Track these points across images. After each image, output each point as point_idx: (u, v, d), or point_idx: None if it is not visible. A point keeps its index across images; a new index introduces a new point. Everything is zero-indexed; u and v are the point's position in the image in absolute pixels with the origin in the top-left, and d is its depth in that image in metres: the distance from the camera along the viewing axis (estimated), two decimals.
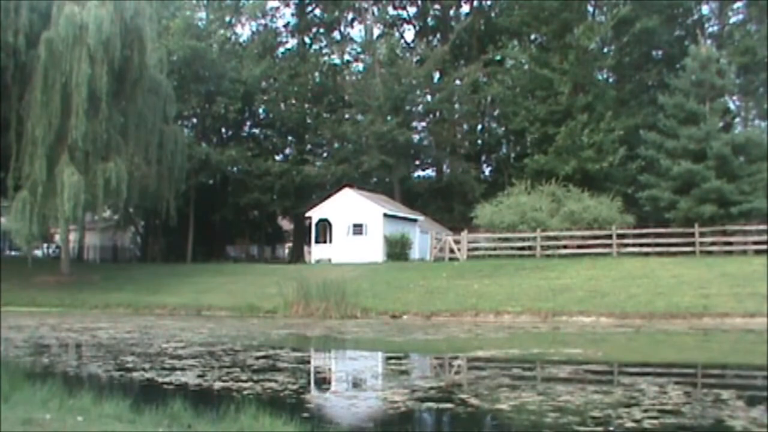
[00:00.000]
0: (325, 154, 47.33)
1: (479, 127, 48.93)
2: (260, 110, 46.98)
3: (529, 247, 29.67)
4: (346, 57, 48.41)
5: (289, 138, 47.86)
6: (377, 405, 8.33)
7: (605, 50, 41.65)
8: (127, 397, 7.25)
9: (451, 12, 48.20)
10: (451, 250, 31.44)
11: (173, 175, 34.73)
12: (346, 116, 44.26)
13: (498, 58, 43.86)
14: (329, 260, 33.57)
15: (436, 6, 48.48)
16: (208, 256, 42.10)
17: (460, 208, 41.62)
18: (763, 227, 27.09)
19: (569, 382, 9.67)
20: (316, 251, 36.01)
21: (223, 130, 46.60)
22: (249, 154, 42.79)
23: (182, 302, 25.47)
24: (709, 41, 37.00)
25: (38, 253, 43.22)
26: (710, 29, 41.63)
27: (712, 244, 28.89)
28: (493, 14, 47.02)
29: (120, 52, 29.33)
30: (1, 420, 5.71)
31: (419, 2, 48.92)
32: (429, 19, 49.63)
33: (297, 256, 44.24)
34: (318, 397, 9.23)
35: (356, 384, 10.39)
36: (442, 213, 43.09)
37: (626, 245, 29.13)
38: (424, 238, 35.33)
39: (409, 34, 50.33)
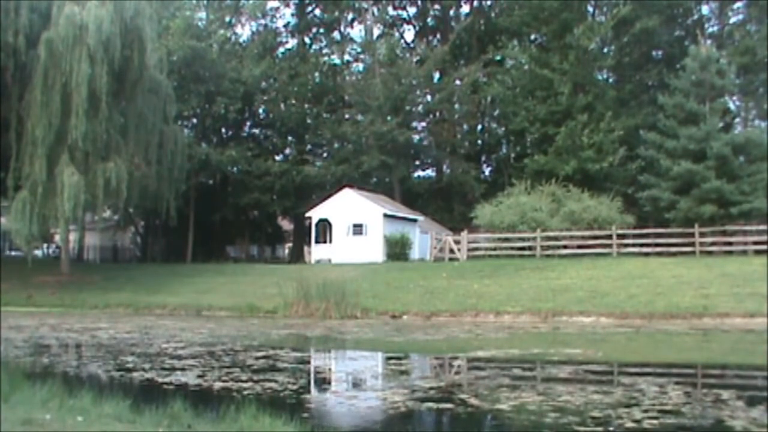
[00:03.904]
0: (325, 154, 47.36)
1: (479, 127, 48.93)
2: (260, 110, 47.00)
3: (529, 248, 29.67)
4: (346, 57, 48.45)
5: (289, 138, 47.86)
6: (377, 405, 8.32)
7: (605, 50, 41.65)
8: (127, 397, 7.24)
9: (451, 12, 48.23)
10: (451, 250, 31.44)
11: (173, 175, 34.73)
12: (346, 116, 44.27)
13: (498, 58, 43.89)
14: (329, 260, 33.57)
15: (436, 6, 48.49)
16: (208, 256, 42.09)
17: (460, 208, 41.65)
18: (763, 227, 27.10)
19: (569, 383, 9.66)
20: (316, 251, 36.00)
21: (223, 130, 46.59)
22: (249, 154, 42.79)
23: (182, 302, 25.46)
24: (709, 41, 37.00)
25: (38, 253, 43.21)
26: (710, 29, 41.63)
27: (712, 244, 28.89)
28: (493, 14, 47.06)
29: (120, 52, 29.31)
30: (1, 420, 5.70)
31: (419, 2, 48.93)
32: (429, 19, 49.64)
33: (297, 257, 44.24)
34: (318, 398, 9.23)
35: (356, 384, 10.39)
36: (442, 213, 43.10)
37: (626, 245, 29.13)
38: (424, 238, 35.32)
39: (409, 34, 50.46)
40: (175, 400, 7.05)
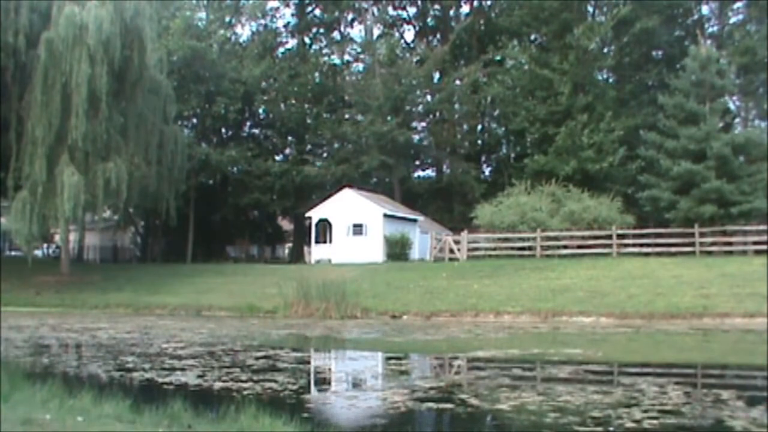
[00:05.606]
0: (325, 154, 47.33)
1: (479, 127, 48.90)
2: (260, 110, 47.00)
3: (529, 248, 29.67)
4: (346, 57, 48.45)
5: (289, 138, 47.85)
6: (377, 405, 8.33)
7: (605, 50, 41.64)
8: (127, 397, 7.25)
9: (451, 12, 48.18)
10: (451, 251, 31.43)
11: (173, 175, 34.75)
12: (346, 116, 44.28)
13: (498, 58, 43.85)
14: (329, 260, 33.56)
15: (436, 6, 48.46)
16: (208, 256, 42.09)
17: (460, 208, 41.63)
18: (763, 227, 27.10)
19: (569, 382, 9.66)
20: (316, 251, 36.00)
21: (223, 130, 46.58)
22: (249, 154, 42.80)
23: (182, 302, 25.46)
24: (709, 41, 37.01)
25: (38, 253, 43.14)
26: (710, 29, 41.64)
27: (712, 244, 28.89)
28: (493, 14, 47.02)
29: (120, 52, 29.33)
30: (1, 420, 5.70)
31: (419, 2, 48.91)
32: (429, 20, 49.61)
33: (297, 257, 44.23)
34: (318, 398, 9.23)
35: (356, 384, 10.39)
36: (442, 213, 43.09)
37: (626, 245, 29.12)
38: (424, 238, 35.32)
39: (409, 34, 50.44)
40: (175, 400, 7.05)
